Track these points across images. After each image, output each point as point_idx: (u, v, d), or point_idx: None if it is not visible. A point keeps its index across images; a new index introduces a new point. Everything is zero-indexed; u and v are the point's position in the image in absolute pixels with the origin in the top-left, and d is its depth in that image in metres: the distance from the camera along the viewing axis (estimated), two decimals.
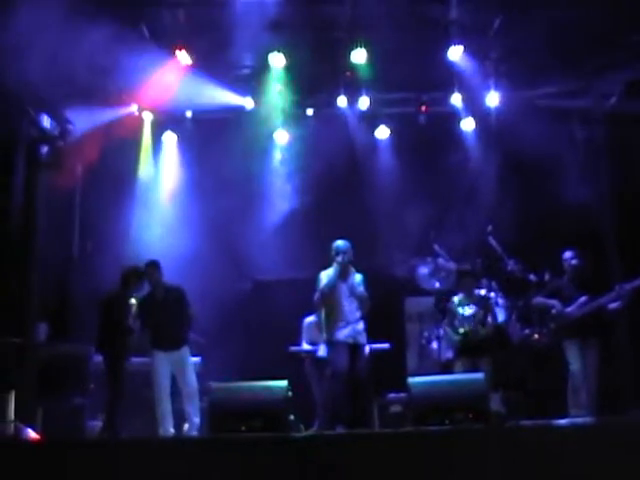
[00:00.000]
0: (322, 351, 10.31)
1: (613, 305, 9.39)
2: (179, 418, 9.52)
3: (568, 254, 9.73)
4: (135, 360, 9.97)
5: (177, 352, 9.58)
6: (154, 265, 9.80)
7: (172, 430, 9.25)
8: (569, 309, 9.49)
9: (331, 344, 9.21)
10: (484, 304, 10.08)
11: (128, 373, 9.67)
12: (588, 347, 9.36)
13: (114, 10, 9.99)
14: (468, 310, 9.99)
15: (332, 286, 9.17)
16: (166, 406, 9.38)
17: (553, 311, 9.59)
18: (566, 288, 9.68)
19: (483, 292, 10.33)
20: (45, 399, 9.71)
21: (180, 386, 9.57)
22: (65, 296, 11.79)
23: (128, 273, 9.92)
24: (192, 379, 9.60)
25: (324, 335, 9.40)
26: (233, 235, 11.99)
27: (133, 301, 9.77)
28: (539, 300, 9.83)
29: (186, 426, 9.52)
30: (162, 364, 9.51)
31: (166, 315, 9.58)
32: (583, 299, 9.43)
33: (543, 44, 10.73)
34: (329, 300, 9.21)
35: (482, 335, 9.84)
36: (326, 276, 9.25)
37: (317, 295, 9.27)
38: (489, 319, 10.01)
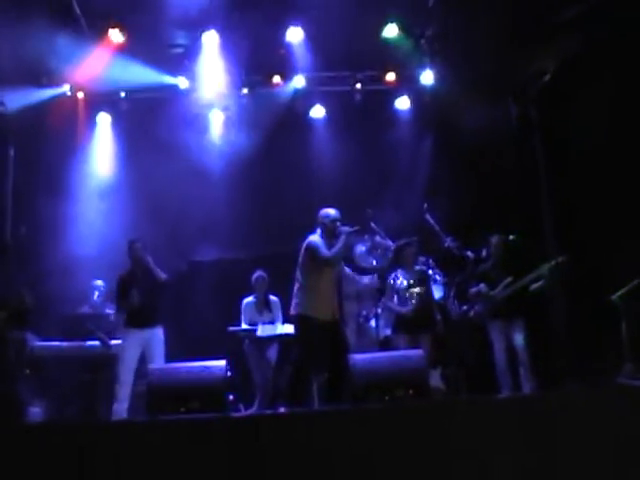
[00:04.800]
0: (261, 331, 10.30)
1: (535, 285, 9.52)
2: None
3: (494, 239, 9.88)
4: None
5: (151, 330, 9.39)
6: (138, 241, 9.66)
7: (125, 414, 9.04)
8: (494, 292, 9.64)
9: (306, 319, 8.39)
10: (423, 279, 10.12)
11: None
12: (514, 328, 9.49)
13: None
14: (409, 282, 10.04)
15: (340, 258, 8.63)
16: (127, 389, 9.15)
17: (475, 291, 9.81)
18: (492, 272, 9.82)
19: (418, 267, 10.32)
20: None
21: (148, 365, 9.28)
22: None
23: None
24: (161, 360, 9.29)
25: (298, 309, 8.45)
26: (169, 215, 11.88)
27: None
28: (472, 292, 9.93)
29: None
30: (133, 344, 9.30)
31: (144, 293, 9.38)
32: (507, 280, 9.57)
33: (478, 22, 10.80)
34: (326, 270, 8.47)
35: (423, 311, 9.91)
36: (321, 243, 8.42)
37: (321, 260, 8.33)
38: (427, 294, 10.08)
